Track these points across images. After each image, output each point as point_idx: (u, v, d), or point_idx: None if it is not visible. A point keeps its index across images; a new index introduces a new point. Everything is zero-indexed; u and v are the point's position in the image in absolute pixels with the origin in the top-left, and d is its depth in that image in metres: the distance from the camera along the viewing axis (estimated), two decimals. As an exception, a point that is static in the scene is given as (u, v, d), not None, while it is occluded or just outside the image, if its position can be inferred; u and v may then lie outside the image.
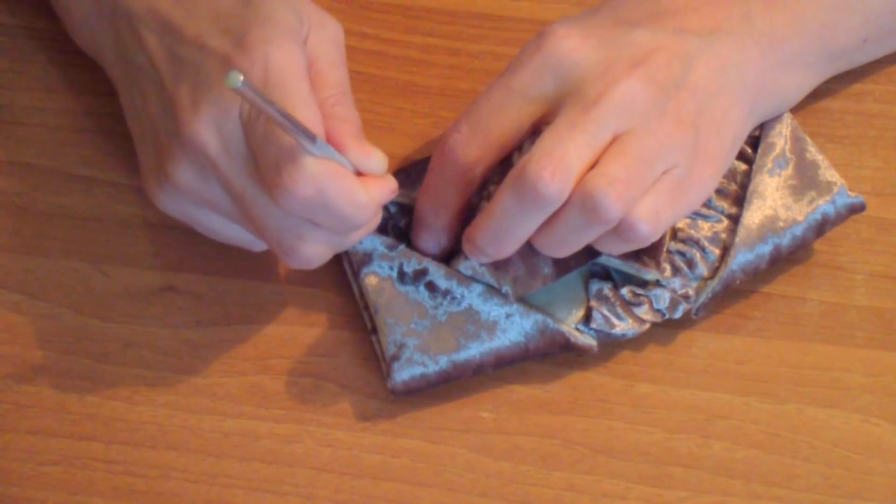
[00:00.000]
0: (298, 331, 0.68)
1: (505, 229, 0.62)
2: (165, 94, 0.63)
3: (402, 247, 0.66)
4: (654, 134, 0.61)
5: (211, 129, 0.61)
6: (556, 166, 0.60)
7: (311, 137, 0.58)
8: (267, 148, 0.59)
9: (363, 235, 0.64)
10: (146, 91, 0.64)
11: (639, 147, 0.61)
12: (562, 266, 0.65)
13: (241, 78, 0.53)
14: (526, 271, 0.65)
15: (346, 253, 0.67)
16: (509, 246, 0.63)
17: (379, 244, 0.67)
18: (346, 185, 0.60)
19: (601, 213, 0.60)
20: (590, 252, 0.64)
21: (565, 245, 0.63)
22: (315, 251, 0.62)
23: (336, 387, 0.67)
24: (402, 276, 0.66)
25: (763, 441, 0.66)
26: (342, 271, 0.69)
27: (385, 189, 0.62)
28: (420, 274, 0.66)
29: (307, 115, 0.59)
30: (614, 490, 0.65)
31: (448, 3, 0.76)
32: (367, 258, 0.67)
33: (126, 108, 0.67)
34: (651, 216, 0.61)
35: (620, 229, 0.61)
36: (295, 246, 0.62)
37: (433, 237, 0.66)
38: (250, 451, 0.66)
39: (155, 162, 0.64)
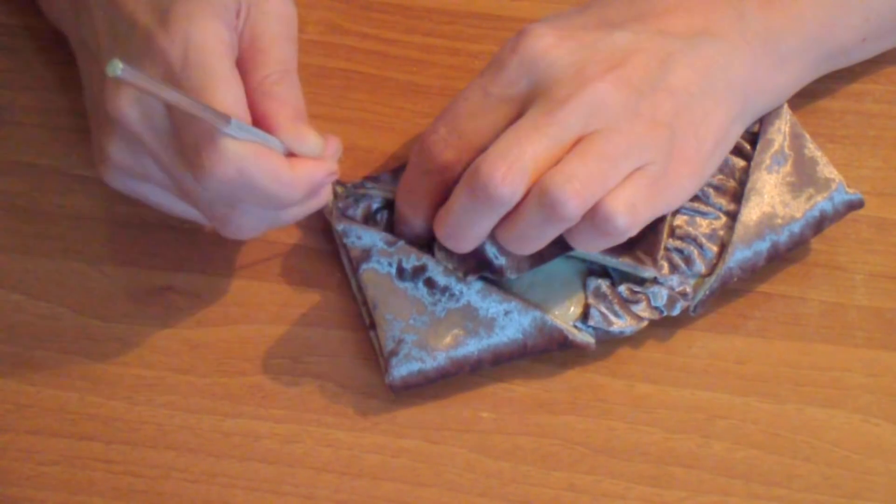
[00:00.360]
0: (298, 331, 0.68)
1: (461, 226, 0.63)
2: (103, 71, 0.62)
3: (401, 243, 0.66)
4: (622, 133, 0.61)
5: (133, 104, 0.61)
6: (510, 168, 0.60)
7: (224, 118, 0.58)
8: (187, 129, 0.59)
9: (301, 214, 0.64)
10: (92, 69, 0.65)
11: (603, 145, 0.61)
12: (536, 256, 0.65)
13: (121, 66, 0.53)
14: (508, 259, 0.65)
15: (346, 248, 0.67)
16: (467, 242, 0.63)
17: (378, 240, 0.67)
18: (269, 164, 0.60)
19: (558, 209, 0.60)
20: (564, 244, 0.64)
21: (527, 241, 0.62)
22: (247, 223, 0.63)
23: (336, 387, 0.67)
24: (400, 272, 0.66)
25: (763, 441, 0.66)
26: (342, 271, 0.69)
27: (316, 170, 0.62)
28: (419, 270, 0.66)
29: (226, 95, 0.59)
30: (614, 490, 0.65)
31: (448, 3, 0.76)
32: (366, 254, 0.67)
33: (83, 89, 0.68)
34: (628, 208, 0.61)
35: (598, 221, 0.61)
36: (227, 216, 0.62)
37: (414, 233, 0.66)
38: (250, 451, 0.66)
39: (97, 139, 0.64)
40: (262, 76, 0.62)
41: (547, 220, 0.61)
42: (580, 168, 0.60)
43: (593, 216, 0.61)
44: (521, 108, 0.62)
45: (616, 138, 0.61)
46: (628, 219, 0.61)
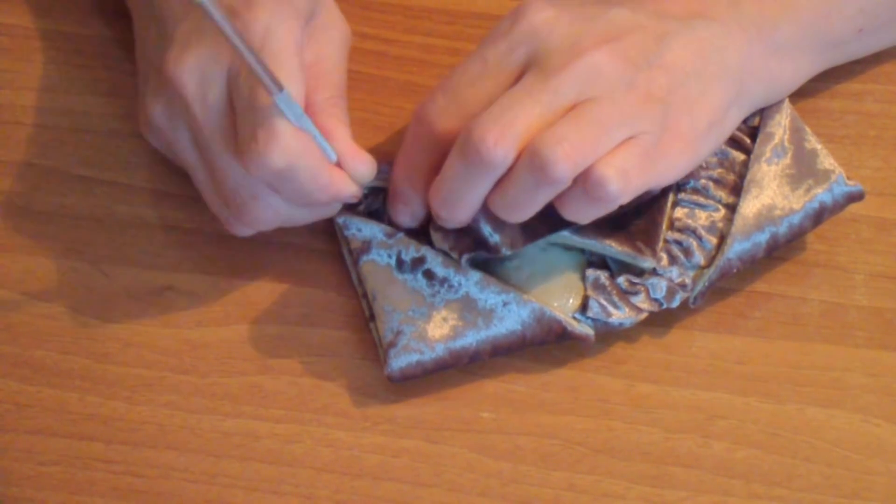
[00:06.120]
0: (298, 331, 0.68)
1: (455, 193, 0.63)
2: (166, 32, 0.65)
3: (400, 235, 0.67)
4: (616, 103, 0.61)
5: (194, 72, 0.63)
6: (502, 132, 0.60)
7: (278, 85, 0.60)
8: (248, 110, 0.61)
9: (313, 219, 0.67)
10: (150, 29, 0.67)
11: (597, 112, 0.61)
12: (530, 232, 0.65)
13: None
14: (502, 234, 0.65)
15: (346, 240, 0.68)
16: (461, 210, 0.64)
17: (378, 232, 0.67)
18: (314, 164, 0.62)
19: (549, 170, 0.60)
20: (560, 219, 0.63)
21: (519, 206, 0.62)
22: (264, 215, 0.65)
23: (336, 387, 0.67)
24: (400, 263, 0.66)
25: (763, 441, 0.66)
26: (342, 271, 0.69)
27: (348, 184, 0.64)
28: (418, 262, 0.66)
29: (292, 89, 0.61)
30: (614, 490, 0.65)
31: (448, 3, 0.76)
32: (366, 246, 0.67)
33: (137, 46, 0.70)
34: (620, 174, 0.61)
35: (589, 186, 0.61)
36: (247, 203, 0.64)
37: (408, 208, 0.66)
38: (250, 451, 0.66)
39: (143, 95, 0.67)
40: (324, 96, 0.65)
41: (537, 183, 0.61)
42: (572, 131, 0.60)
43: (585, 181, 0.61)
44: (517, 77, 0.63)
45: (609, 107, 0.61)
46: (620, 184, 0.61)
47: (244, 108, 0.62)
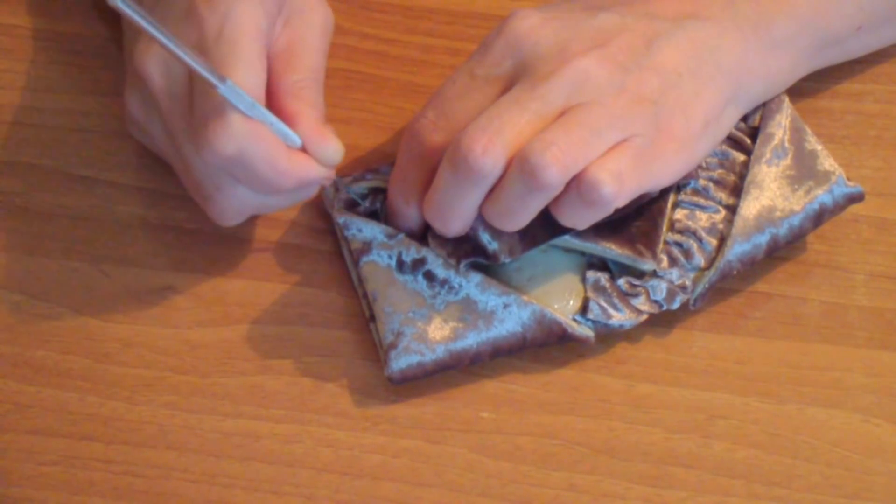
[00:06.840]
0: (298, 331, 0.68)
1: (446, 204, 0.63)
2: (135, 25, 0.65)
3: (401, 236, 0.67)
4: (606, 106, 0.61)
5: (159, 64, 0.63)
6: (490, 140, 0.60)
7: (219, 77, 0.60)
8: (201, 99, 0.61)
9: (286, 205, 0.66)
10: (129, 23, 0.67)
11: (586, 116, 0.61)
12: (529, 239, 0.65)
13: None
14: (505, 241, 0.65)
15: (346, 241, 0.68)
16: (454, 220, 0.64)
17: (379, 233, 0.67)
18: (268, 149, 0.62)
19: (538, 175, 0.60)
20: (558, 225, 0.63)
21: (512, 214, 0.62)
22: (231, 205, 0.64)
23: (336, 387, 0.67)
24: (400, 264, 0.66)
25: (763, 441, 0.66)
26: (342, 270, 0.69)
27: (312, 167, 0.63)
28: (419, 263, 0.66)
29: (247, 76, 0.61)
30: (614, 490, 0.65)
31: (448, 3, 0.76)
32: (367, 247, 0.67)
33: (124, 42, 0.70)
34: (614, 177, 0.61)
35: (583, 190, 0.61)
36: (213, 195, 0.64)
37: (405, 224, 0.66)
38: (250, 451, 0.66)
39: (124, 90, 0.67)
40: (293, 79, 0.64)
41: (529, 190, 0.61)
42: (561, 136, 0.60)
43: (579, 184, 0.61)
44: (506, 88, 0.63)
45: (599, 110, 0.61)
46: (614, 187, 0.61)
47: (197, 97, 0.62)
